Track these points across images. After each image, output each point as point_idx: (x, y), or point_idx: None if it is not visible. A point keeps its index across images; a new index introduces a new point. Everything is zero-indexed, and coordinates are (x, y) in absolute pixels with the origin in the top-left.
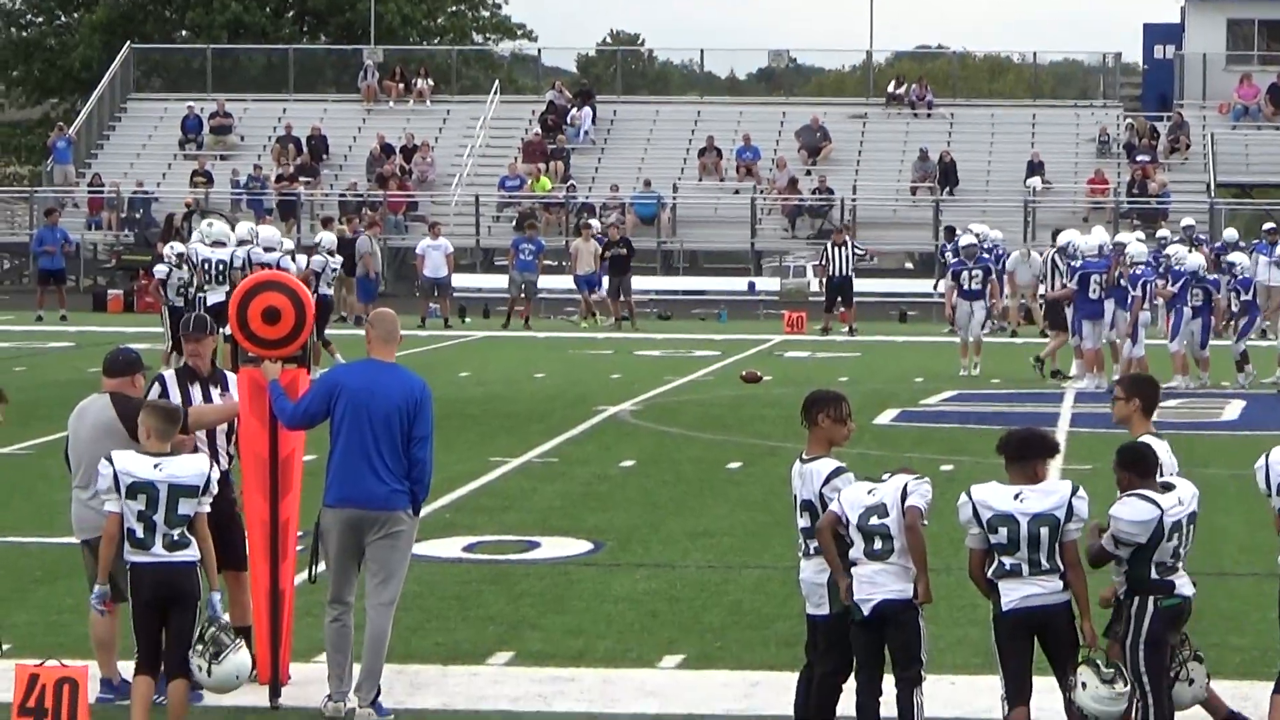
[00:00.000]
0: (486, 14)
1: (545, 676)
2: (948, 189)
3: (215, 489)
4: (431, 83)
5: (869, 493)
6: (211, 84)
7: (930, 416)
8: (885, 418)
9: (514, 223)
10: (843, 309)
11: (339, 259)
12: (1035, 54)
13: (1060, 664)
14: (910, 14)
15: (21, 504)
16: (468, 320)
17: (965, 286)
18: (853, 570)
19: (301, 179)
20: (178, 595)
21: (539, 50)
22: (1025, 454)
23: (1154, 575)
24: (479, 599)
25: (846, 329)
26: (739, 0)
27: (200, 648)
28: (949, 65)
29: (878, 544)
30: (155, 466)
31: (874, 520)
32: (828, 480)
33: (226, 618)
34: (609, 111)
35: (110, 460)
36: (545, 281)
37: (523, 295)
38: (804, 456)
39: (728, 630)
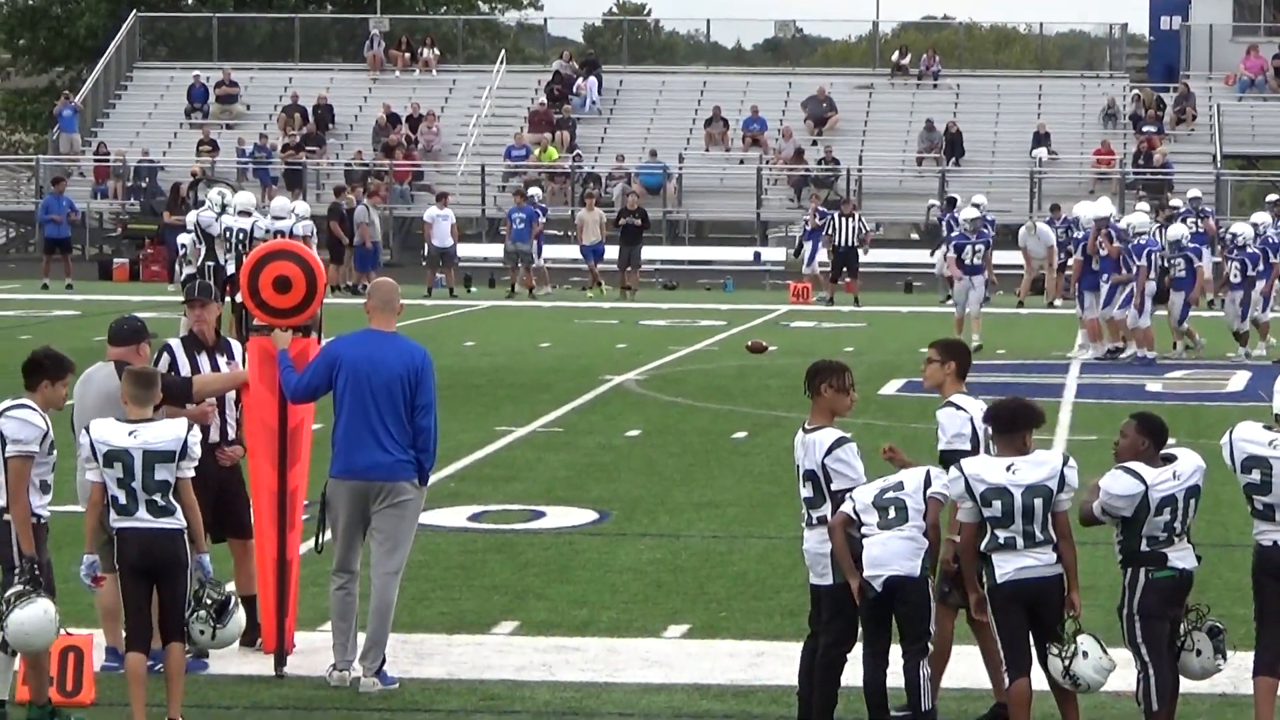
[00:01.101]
0: None
1: (550, 646)
2: (953, 160)
3: (195, 453)
4: (437, 52)
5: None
6: (217, 53)
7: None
8: (890, 388)
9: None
10: (848, 279)
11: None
12: (1041, 25)
13: (1047, 634)
14: None
15: None
16: (473, 290)
17: (967, 261)
18: (864, 542)
19: (307, 148)
20: (164, 561)
21: (545, 20)
22: (1016, 425)
23: (1144, 548)
24: (484, 568)
25: (853, 299)
26: None
27: (202, 612)
28: (955, 36)
29: (891, 513)
30: (130, 434)
31: (889, 494)
32: (829, 450)
33: (232, 586)
34: (615, 81)
35: (87, 430)
36: (552, 251)
37: (519, 265)
38: (806, 426)
39: (732, 600)
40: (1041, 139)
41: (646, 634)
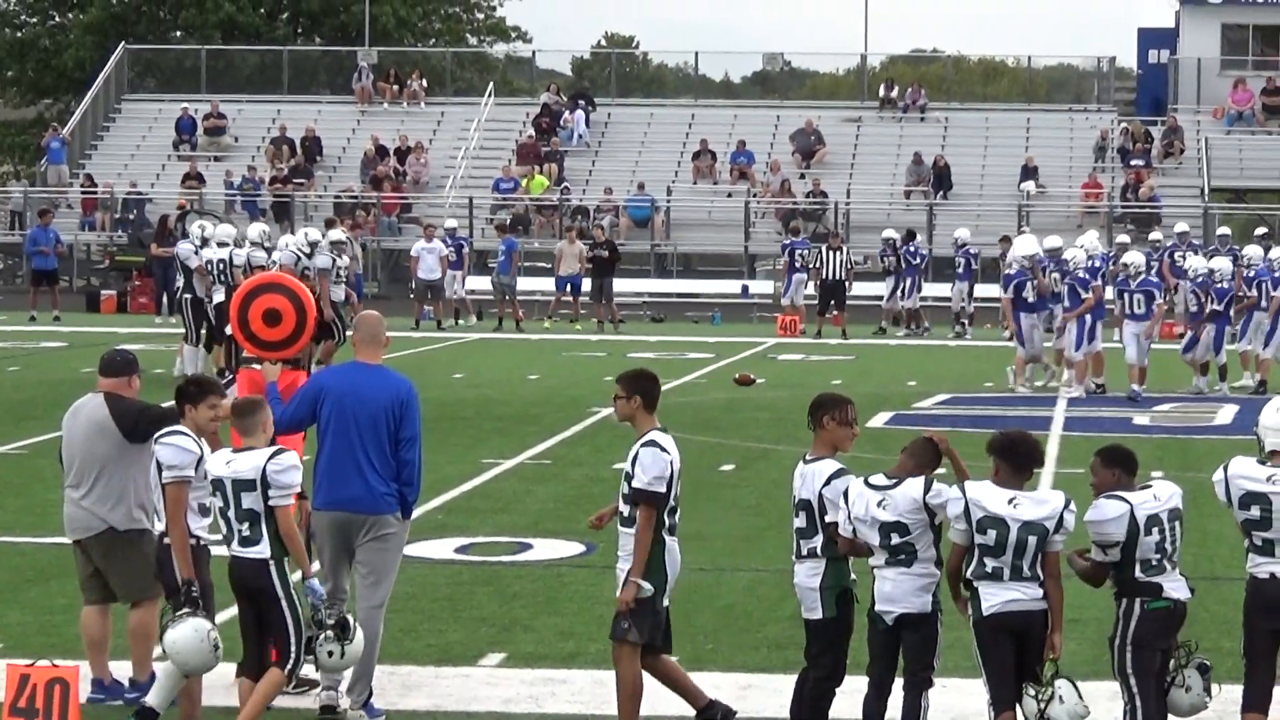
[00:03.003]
0: (481, 16)
1: (537, 678)
2: (942, 193)
3: (284, 480)
4: (426, 84)
5: (880, 505)
6: (205, 85)
7: (924, 420)
8: (879, 420)
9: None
10: (835, 312)
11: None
12: (1030, 58)
13: (1029, 671)
14: (904, 17)
15: (14, 503)
16: (461, 322)
17: (1028, 299)
18: (875, 574)
19: (295, 181)
20: (254, 590)
21: (533, 52)
22: (1023, 460)
23: (1139, 574)
24: (471, 600)
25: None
26: (733, 3)
27: (328, 633)
28: (943, 69)
29: (901, 555)
30: (226, 463)
31: (895, 539)
32: (828, 481)
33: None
34: (603, 114)
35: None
36: (535, 284)
37: (505, 298)
38: (807, 458)
39: (720, 632)
40: (1029, 172)
41: None
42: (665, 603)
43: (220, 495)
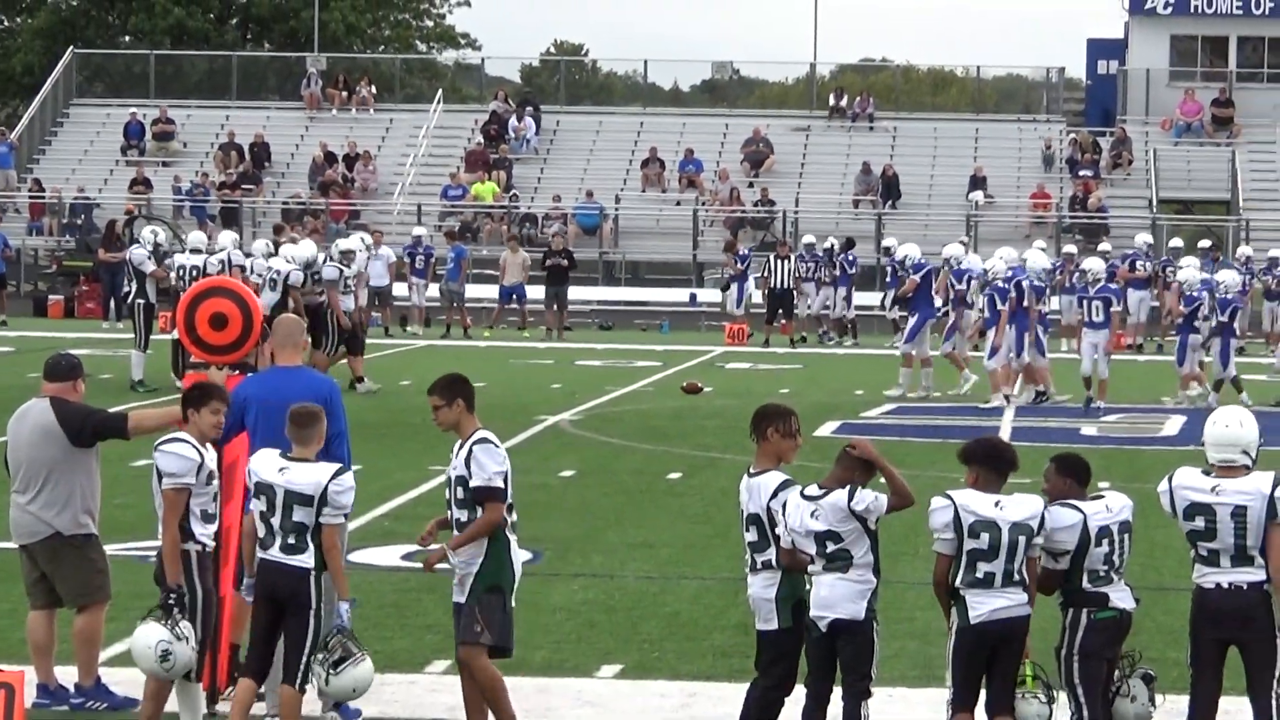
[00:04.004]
0: (430, 23)
1: None
2: (890, 202)
3: (340, 501)
4: (375, 91)
5: (813, 515)
6: (154, 90)
7: (871, 429)
8: (826, 429)
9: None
10: (784, 321)
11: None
12: (979, 68)
13: (1004, 675)
14: (854, 27)
15: None
16: (409, 329)
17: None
18: (813, 580)
19: (244, 186)
20: (289, 599)
21: (482, 59)
22: (1008, 468)
23: (1086, 584)
24: (417, 607)
25: (789, 341)
26: (683, 12)
27: (322, 655)
28: (892, 78)
29: (838, 561)
30: (280, 470)
31: (830, 547)
32: (775, 494)
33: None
34: (552, 121)
35: (251, 460)
36: (483, 291)
37: (453, 305)
38: (751, 470)
39: (665, 640)
40: (978, 182)
41: (579, 674)
42: (513, 604)
43: (265, 499)
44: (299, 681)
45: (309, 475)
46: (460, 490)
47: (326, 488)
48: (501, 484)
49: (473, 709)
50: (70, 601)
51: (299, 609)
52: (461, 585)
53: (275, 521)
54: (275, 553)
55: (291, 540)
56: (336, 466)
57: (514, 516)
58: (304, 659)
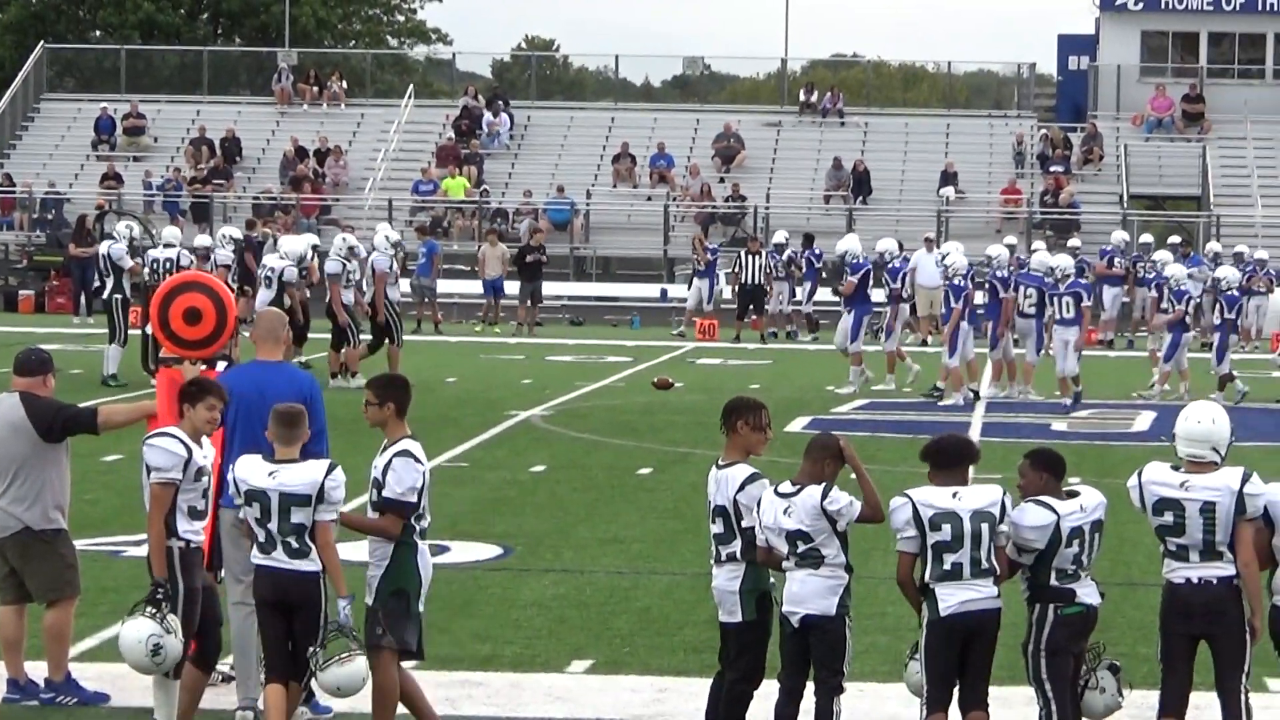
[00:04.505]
0: (401, 18)
1: (453, 681)
2: (861, 198)
3: (334, 497)
4: (345, 86)
5: (785, 512)
6: (125, 85)
7: (842, 424)
8: (797, 425)
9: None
10: (754, 317)
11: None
12: (950, 64)
13: (975, 670)
14: (825, 23)
15: None
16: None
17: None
18: (786, 576)
19: (215, 181)
20: (298, 602)
21: (454, 55)
22: (958, 461)
23: (1054, 582)
24: None
25: (759, 336)
26: (654, 7)
27: (313, 651)
28: (863, 74)
29: (809, 559)
30: (270, 474)
31: (801, 545)
32: (742, 487)
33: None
34: (523, 117)
35: (233, 466)
36: (455, 286)
37: (425, 300)
38: (720, 463)
39: (636, 636)
40: (949, 178)
41: (550, 669)
42: (421, 608)
43: (258, 506)
44: (306, 679)
45: (303, 475)
46: (375, 493)
47: (323, 485)
48: (414, 499)
49: (412, 704)
50: (40, 597)
51: (309, 610)
52: (369, 588)
53: (273, 526)
54: (280, 557)
55: (294, 544)
56: (328, 463)
57: (425, 522)
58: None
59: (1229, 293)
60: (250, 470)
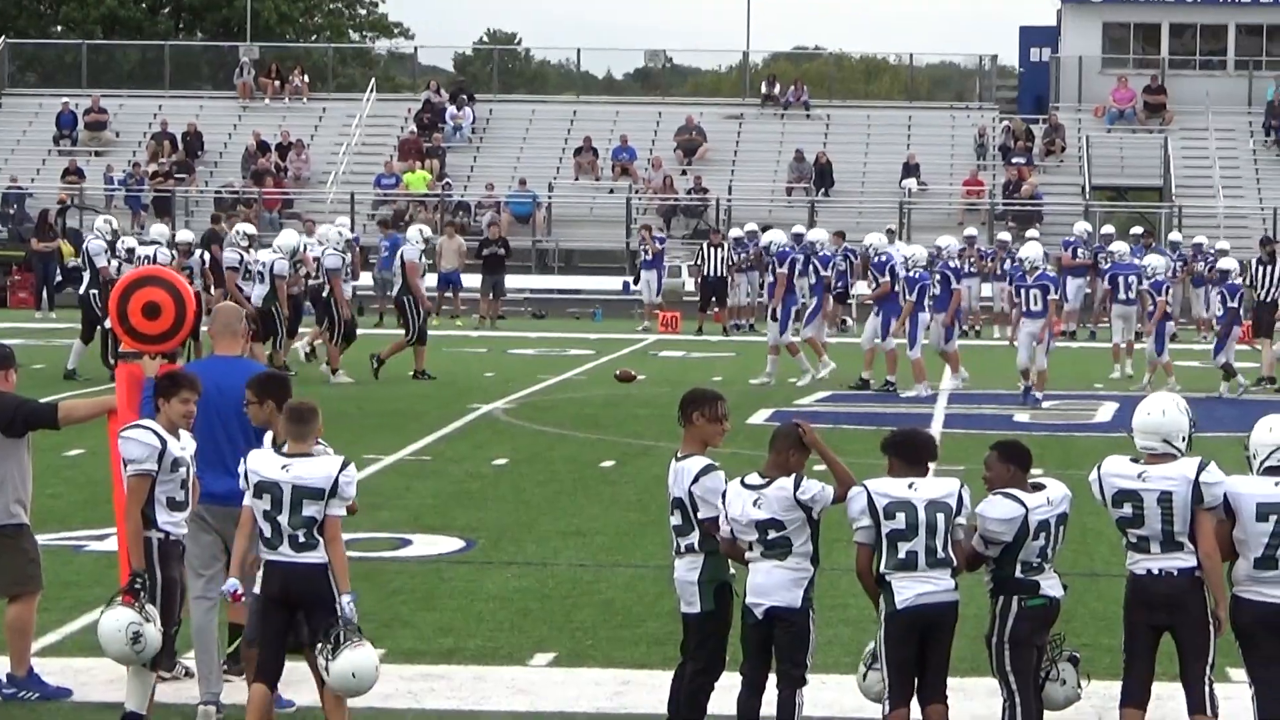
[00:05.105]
0: (363, 12)
1: (416, 674)
2: (823, 190)
3: (347, 492)
4: (308, 80)
5: (755, 504)
6: (87, 79)
7: (804, 416)
8: (759, 417)
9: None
10: (717, 309)
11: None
12: (911, 56)
13: (934, 663)
14: (787, 15)
15: None
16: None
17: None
18: (750, 567)
19: (177, 176)
20: (306, 597)
21: (415, 49)
22: (918, 457)
23: (1019, 574)
24: None
25: (721, 329)
26: (616, 0)
27: (320, 644)
28: (825, 66)
29: (776, 549)
30: (283, 467)
31: (771, 534)
32: (696, 479)
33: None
34: (485, 110)
35: (245, 459)
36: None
37: (387, 294)
38: (678, 455)
39: (599, 628)
40: (911, 170)
41: (513, 662)
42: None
43: (269, 498)
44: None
45: (317, 469)
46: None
47: (337, 479)
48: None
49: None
50: (2, 591)
51: (318, 605)
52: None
53: (283, 519)
54: (286, 551)
55: (301, 538)
56: (342, 458)
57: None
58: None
59: (1233, 283)
60: (262, 462)
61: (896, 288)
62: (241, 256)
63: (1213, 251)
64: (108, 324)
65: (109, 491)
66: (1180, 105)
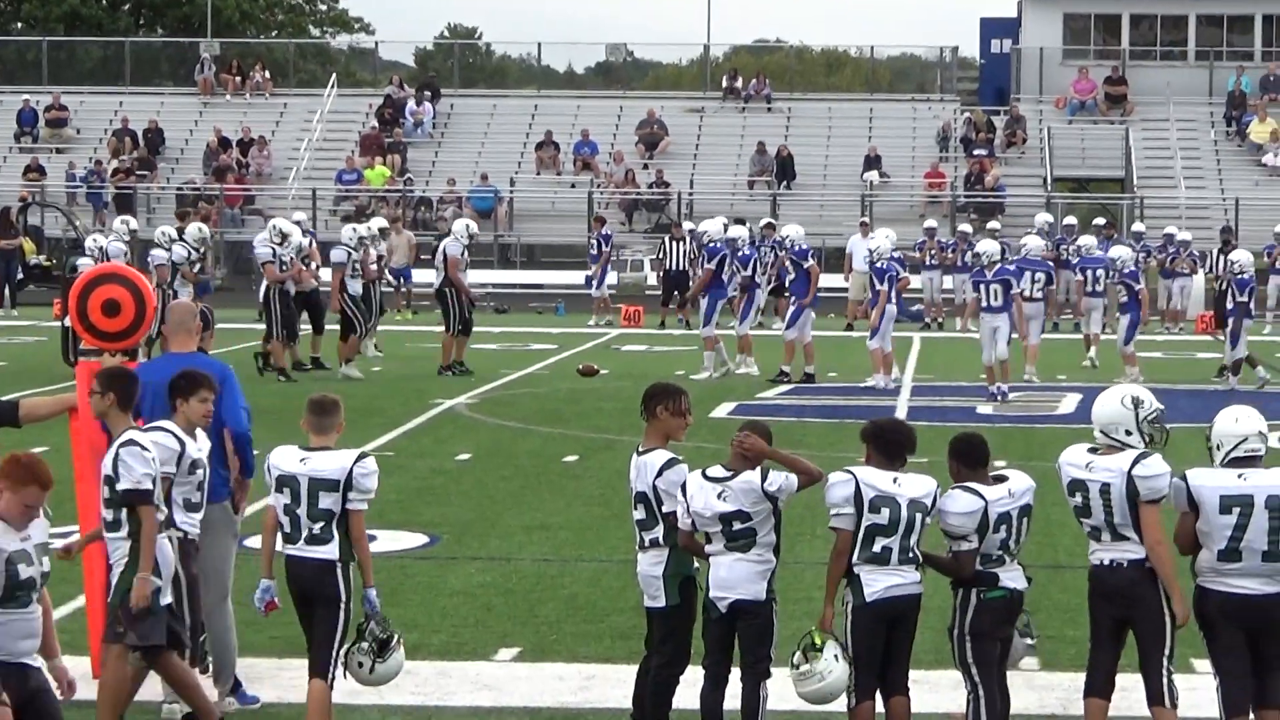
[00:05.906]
0: (324, 7)
1: None
2: (785, 183)
3: (364, 485)
4: (269, 76)
5: (719, 497)
6: (47, 76)
7: (767, 410)
8: (722, 411)
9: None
10: (678, 303)
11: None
12: (873, 48)
13: (898, 656)
14: (748, 8)
15: None
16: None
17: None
18: (711, 561)
19: (138, 173)
20: (313, 592)
21: (376, 44)
22: (901, 449)
23: (978, 566)
24: None
25: (683, 323)
26: None
27: (365, 645)
28: (786, 59)
29: (741, 541)
30: (301, 460)
31: (736, 525)
32: (660, 472)
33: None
34: (446, 105)
35: (268, 455)
36: None
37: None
38: (640, 449)
39: (563, 623)
40: (873, 162)
41: (477, 657)
42: (166, 600)
43: (289, 492)
44: (330, 675)
45: (332, 461)
46: (107, 489)
47: (351, 471)
48: (149, 485)
49: (188, 695)
50: None
51: (327, 601)
52: (111, 586)
53: (301, 512)
54: (301, 545)
55: (317, 530)
56: (359, 451)
57: (164, 514)
58: (334, 652)
59: (1242, 276)
60: (283, 457)
61: (726, 274)
62: (349, 254)
63: (1176, 244)
64: (67, 321)
65: (71, 489)
66: (1141, 96)
